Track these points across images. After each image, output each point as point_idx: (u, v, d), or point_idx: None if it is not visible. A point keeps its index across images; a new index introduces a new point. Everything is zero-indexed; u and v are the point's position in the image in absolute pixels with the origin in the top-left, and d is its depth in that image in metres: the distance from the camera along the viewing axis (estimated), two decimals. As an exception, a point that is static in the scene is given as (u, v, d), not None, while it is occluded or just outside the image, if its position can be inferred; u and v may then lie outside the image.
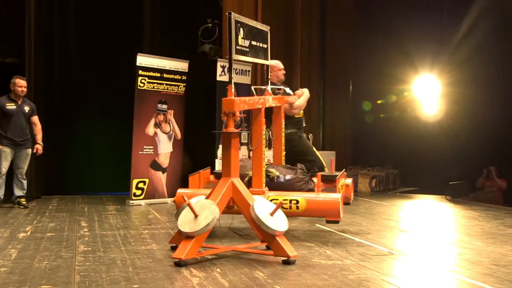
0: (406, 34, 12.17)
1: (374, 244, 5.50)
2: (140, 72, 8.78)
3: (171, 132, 9.22)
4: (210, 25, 10.15)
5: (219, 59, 9.50)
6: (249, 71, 9.91)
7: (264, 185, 5.50)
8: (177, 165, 9.34)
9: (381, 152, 13.06)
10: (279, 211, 4.77)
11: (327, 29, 12.28)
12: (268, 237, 4.71)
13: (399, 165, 12.88)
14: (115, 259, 4.76)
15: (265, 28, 5.99)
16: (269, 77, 6.35)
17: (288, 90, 6.88)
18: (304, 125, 7.07)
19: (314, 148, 7.19)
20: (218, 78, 9.29)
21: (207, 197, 4.91)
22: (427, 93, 12.37)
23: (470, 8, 12.22)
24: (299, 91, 6.95)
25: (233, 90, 5.04)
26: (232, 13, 5.16)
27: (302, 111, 7.00)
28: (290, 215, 5.32)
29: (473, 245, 5.51)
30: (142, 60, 8.82)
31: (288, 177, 5.82)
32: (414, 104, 12.85)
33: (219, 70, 9.29)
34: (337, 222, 5.51)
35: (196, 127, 9.78)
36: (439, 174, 11.99)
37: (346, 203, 6.23)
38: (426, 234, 6.27)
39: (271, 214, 4.72)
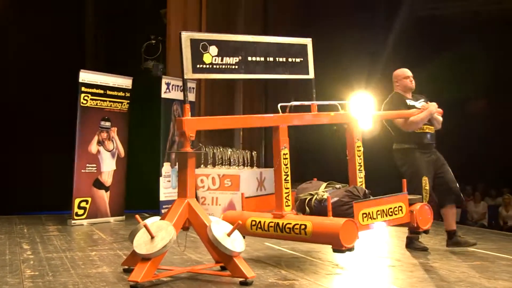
0: (344, 50, 12.47)
1: (325, 262, 5.56)
2: (83, 88, 8.61)
3: (114, 150, 9.05)
4: (153, 41, 10.08)
5: (163, 76, 9.43)
6: (193, 88, 9.88)
7: (290, 207, 5.20)
8: (121, 183, 9.17)
9: (321, 168, 13.24)
10: (237, 232, 4.75)
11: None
12: (225, 258, 4.68)
13: (339, 181, 13.10)
14: (66, 284, 4.61)
15: (294, 41, 5.75)
16: (395, 86, 6.36)
17: (418, 103, 6.28)
18: (428, 142, 6.26)
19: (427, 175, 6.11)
20: (163, 95, 9.21)
21: (162, 218, 4.85)
22: (362, 110, 12.65)
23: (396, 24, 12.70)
24: (425, 104, 6.29)
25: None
26: (183, 32, 5.10)
27: (428, 126, 6.25)
28: (298, 240, 5.19)
29: (421, 263, 5.64)
30: (85, 76, 8.66)
31: (333, 200, 5.10)
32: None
33: (163, 87, 9.22)
34: (342, 251, 4.78)
35: (140, 145, 9.65)
36: (378, 188, 12.24)
37: (414, 231, 5.83)
38: (373, 251, 6.37)
39: (228, 235, 4.69)
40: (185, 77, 5.00)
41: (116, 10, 10.62)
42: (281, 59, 5.55)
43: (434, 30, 13.73)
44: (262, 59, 5.42)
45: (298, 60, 5.68)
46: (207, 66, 5.09)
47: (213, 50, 5.09)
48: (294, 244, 6.50)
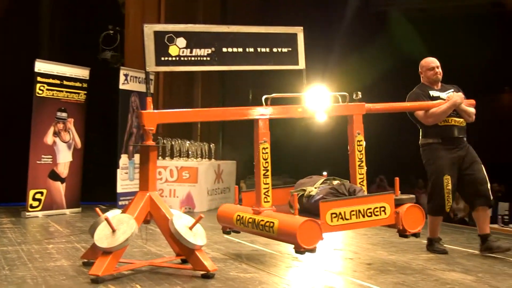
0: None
1: (285, 255, 5.62)
2: (39, 78, 8.45)
3: (70, 141, 8.92)
4: (111, 32, 9.95)
5: (121, 67, 9.33)
6: (152, 80, 9.79)
7: (270, 203, 4.98)
8: (77, 175, 9.05)
9: (277, 161, 13.33)
10: (198, 225, 4.77)
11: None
12: (187, 251, 4.69)
13: (294, 174, 13.22)
14: (24, 278, 4.54)
15: (273, 30, 5.47)
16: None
17: (445, 94, 5.81)
18: (455, 136, 5.75)
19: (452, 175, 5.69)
20: (121, 87, 9.12)
21: (123, 212, 4.83)
22: (318, 103, 12.77)
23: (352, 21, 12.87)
24: (451, 95, 5.78)
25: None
26: (145, 25, 5.04)
27: (455, 118, 5.76)
28: (269, 238, 4.96)
29: (379, 255, 5.77)
30: (41, 66, 8.49)
31: (317, 198, 4.92)
32: (306, 114, 13.25)
33: (121, 78, 9.12)
34: (301, 252, 4.53)
35: (97, 136, 9.54)
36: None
37: (404, 235, 5.00)
38: (331, 244, 6.47)
39: (190, 228, 4.71)
40: (147, 70, 4.94)
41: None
42: (264, 50, 5.33)
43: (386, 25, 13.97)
44: (241, 50, 5.23)
45: (285, 50, 5.44)
46: (174, 58, 5.01)
47: (181, 42, 5.01)
48: (254, 237, 6.56)
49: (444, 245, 5.93)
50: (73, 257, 5.41)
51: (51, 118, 8.65)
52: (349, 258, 5.63)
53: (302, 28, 5.50)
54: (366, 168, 5.32)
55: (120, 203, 9.05)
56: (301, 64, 5.50)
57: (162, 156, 9.63)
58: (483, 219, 5.73)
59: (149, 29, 4.94)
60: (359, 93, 5.31)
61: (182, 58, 5.02)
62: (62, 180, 8.83)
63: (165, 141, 9.68)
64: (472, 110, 5.78)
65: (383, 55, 12.88)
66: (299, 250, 4.49)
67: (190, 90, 11.44)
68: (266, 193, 4.98)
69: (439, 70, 5.89)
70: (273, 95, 5.19)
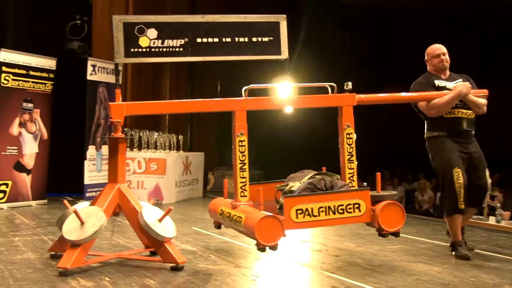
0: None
1: (253, 247, 5.64)
2: (4, 68, 8.31)
3: (37, 132, 8.80)
4: (79, 22, 9.83)
5: (89, 57, 9.23)
6: (120, 71, 9.70)
7: (247, 198, 4.78)
8: (43, 167, 8.94)
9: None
10: (168, 217, 4.77)
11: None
12: (156, 243, 4.69)
13: (262, 165, 13.28)
14: (-9, 271, 4.50)
15: (253, 19, 5.19)
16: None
17: (453, 83, 5.35)
18: (463, 129, 5.31)
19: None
20: (89, 78, 9.03)
21: (91, 204, 4.80)
22: (283, 94, 12.77)
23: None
24: (457, 84, 5.35)
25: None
26: (114, 16, 4.98)
27: (462, 110, 5.33)
28: (241, 233, 4.79)
29: (346, 247, 5.84)
30: (6, 56, 8.36)
31: (296, 193, 4.75)
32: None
33: (89, 69, 9.03)
34: (261, 249, 4.39)
35: (64, 127, 9.43)
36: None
37: (382, 234, 4.66)
38: (299, 236, 6.52)
39: (160, 221, 4.70)
40: (116, 61, 4.90)
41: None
42: (242, 39, 5.08)
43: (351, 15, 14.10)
44: (217, 40, 5.03)
45: (266, 39, 5.14)
46: (144, 49, 4.94)
47: (152, 33, 4.93)
48: (223, 230, 6.57)
49: (471, 246, 5.58)
50: (40, 249, 5.36)
51: (17, 109, 8.52)
52: (317, 250, 5.69)
53: (285, 16, 5.19)
54: (357, 162, 4.96)
55: (87, 194, 8.98)
56: (284, 54, 5.19)
57: (130, 148, 9.57)
58: (466, 221, 5.55)
59: (118, 20, 4.89)
60: (349, 83, 4.95)
61: (153, 49, 4.94)
62: (28, 172, 8.71)
63: (133, 132, 9.62)
64: (482, 101, 5.30)
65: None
66: (259, 246, 4.35)
67: (159, 81, 11.38)
68: (243, 187, 4.77)
69: (446, 57, 5.39)
70: (252, 86, 4.94)
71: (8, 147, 8.44)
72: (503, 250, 5.78)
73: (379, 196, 4.70)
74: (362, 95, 5.06)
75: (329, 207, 4.48)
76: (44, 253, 5.15)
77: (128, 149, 9.44)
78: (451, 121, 5.26)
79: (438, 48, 5.43)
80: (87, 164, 9.11)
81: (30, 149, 8.74)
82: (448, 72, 5.44)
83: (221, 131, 12.94)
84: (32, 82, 8.67)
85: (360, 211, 4.58)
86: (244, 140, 4.78)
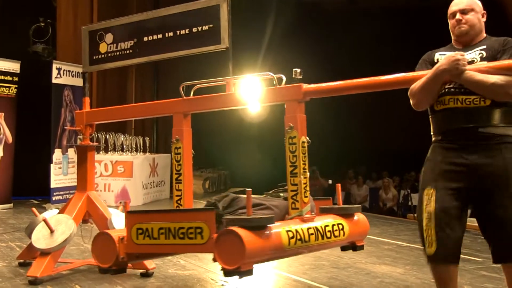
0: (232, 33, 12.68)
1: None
2: (-33, 72, 8.24)
3: (1, 136, 8.74)
4: (42, 24, 9.75)
5: (54, 60, 9.18)
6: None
7: None
8: (8, 170, 8.87)
9: (211, 153, 13.45)
10: (137, 224, 4.79)
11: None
12: (126, 250, 4.72)
13: (228, 165, 13.38)
14: (-42, 280, 4.49)
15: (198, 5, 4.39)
16: None
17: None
18: (458, 126, 3.13)
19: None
20: (54, 81, 8.98)
21: (60, 212, 4.83)
22: (250, 93, 12.85)
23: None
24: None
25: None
26: (83, 27, 5.02)
27: (457, 96, 3.11)
28: None
29: (312, 248, 5.97)
30: (-31, 59, 8.28)
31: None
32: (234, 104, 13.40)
33: (54, 72, 8.98)
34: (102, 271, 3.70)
35: (29, 131, 9.36)
36: (266, 172, 12.67)
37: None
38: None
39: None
40: (83, 71, 4.96)
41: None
42: (183, 31, 4.44)
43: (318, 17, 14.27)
44: (160, 36, 4.54)
45: (206, 27, 4.34)
46: (103, 55, 4.90)
47: (109, 38, 4.86)
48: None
49: None
50: (8, 257, 5.35)
51: (-20, 113, 8.46)
52: (284, 252, 5.80)
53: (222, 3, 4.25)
54: (307, 174, 3.70)
55: (54, 198, 8.95)
56: (225, 42, 4.26)
57: (97, 150, 9.54)
58: None
59: (85, 30, 4.94)
60: (298, 70, 3.77)
61: (109, 55, 4.85)
62: (-8, 176, 8.65)
63: (99, 135, 9.60)
64: (492, 78, 3.00)
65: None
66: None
67: (124, 84, 11.36)
68: (178, 202, 4.06)
69: (464, 17, 3.23)
70: (185, 83, 4.24)
71: (-28, 152, 8.38)
72: (462, 249, 5.97)
73: (341, 209, 3.86)
74: (312, 85, 3.73)
75: (170, 229, 3.47)
76: (12, 261, 5.15)
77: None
78: (441, 117, 3.21)
79: (456, 3, 3.29)
80: (53, 167, 9.07)
81: (-5, 153, 8.68)
82: (473, 39, 3.26)
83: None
84: (-4, 85, 8.61)
85: (202, 237, 3.36)
86: (180, 147, 4.11)
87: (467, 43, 3.27)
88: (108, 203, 9.29)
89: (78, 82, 9.38)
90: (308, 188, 3.68)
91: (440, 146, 3.23)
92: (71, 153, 9.06)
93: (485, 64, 3.08)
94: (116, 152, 9.72)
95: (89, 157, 4.84)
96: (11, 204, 8.93)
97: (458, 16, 3.25)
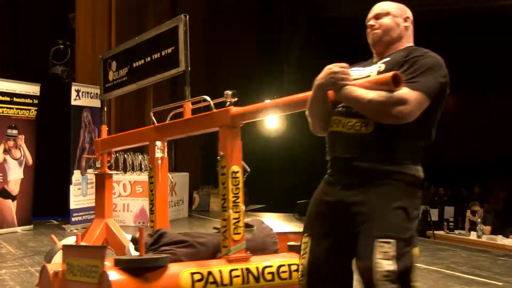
0: (247, 50, 12.80)
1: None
2: (-13, 96, 8.38)
3: (21, 158, 8.85)
4: (61, 46, 9.89)
5: (73, 82, 9.30)
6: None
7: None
8: (29, 192, 8.98)
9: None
10: (155, 251, 4.83)
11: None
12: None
13: (247, 182, 13.38)
14: (-21, 308, 4.55)
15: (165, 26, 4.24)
16: None
17: (365, 71, 2.62)
18: (340, 154, 2.56)
19: None
20: (73, 103, 9.08)
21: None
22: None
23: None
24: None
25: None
26: (100, 56, 5.12)
27: (341, 117, 2.58)
28: None
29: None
30: (-10, 83, 8.42)
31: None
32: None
33: (73, 94, 9.08)
34: None
35: (49, 152, 9.48)
36: (284, 189, 12.68)
37: None
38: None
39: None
40: (100, 99, 5.04)
41: (22, 13, 10.31)
42: (154, 56, 4.29)
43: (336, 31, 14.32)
44: (142, 62, 4.44)
45: (169, 51, 4.12)
46: (111, 84, 4.94)
47: (113, 65, 4.90)
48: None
49: None
50: (28, 283, 5.39)
51: (1, 136, 8.57)
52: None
53: (185, 17, 3.99)
54: (240, 207, 3.40)
55: (73, 219, 9.02)
56: (182, 65, 3.97)
57: (116, 170, 9.63)
58: None
59: (100, 59, 5.03)
60: (230, 93, 3.44)
61: (114, 82, 4.87)
62: (13, 198, 8.75)
63: (117, 155, 9.68)
64: (370, 95, 2.38)
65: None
66: None
67: (142, 104, 11.46)
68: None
69: (378, 22, 2.67)
70: (154, 109, 4.20)
71: (-8, 174, 8.49)
72: (482, 272, 5.93)
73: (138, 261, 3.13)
74: (239, 108, 3.45)
75: (80, 266, 3.25)
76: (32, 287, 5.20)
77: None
78: (327, 142, 2.65)
79: (371, 10, 2.74)
80: (72, 188, 9.15)
81: (15, 175, 8.78)
82: (389, 47, 2.66)
83: (205, 150, 13.04)
84: (16, 108, 8.72)
85: (94, 277, 3.08)
86: (152, 177, 3.97)
87: (381, 53, 2.67)
88: (127, 223, 9.42)
89: (97, 103, 9.49)
90: (241, 224, 3.33)
91: (325, 179, 2.65)
92: (90, 174, 9.14)
93: (366, 78, 2.51)
94: (134, 172, 9.79)
95: (107, 185, 4.91)
96: (31, 226, 9.02)
97: (371, 21, 2.70)
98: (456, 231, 10.32)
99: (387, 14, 2.67)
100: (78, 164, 9.29)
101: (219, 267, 3.20)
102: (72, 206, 9.11)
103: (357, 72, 2.60)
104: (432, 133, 2.52)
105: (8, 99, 8.60)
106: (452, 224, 10.55)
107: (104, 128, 5.00)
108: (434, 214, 11.57)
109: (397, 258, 2.31)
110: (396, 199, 2.39)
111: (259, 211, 12.01)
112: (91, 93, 9.38)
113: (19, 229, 8.77)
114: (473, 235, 9.59)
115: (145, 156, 10.11)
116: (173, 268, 3.09)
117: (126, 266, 3.02)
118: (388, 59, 2.59)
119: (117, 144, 5.08)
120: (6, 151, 8.63)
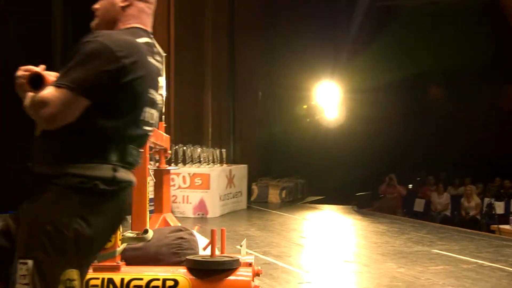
0: (306, 43, 12.77)
1: (296, 269, 5.74)
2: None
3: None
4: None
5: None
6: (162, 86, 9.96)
7: None
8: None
9: (287, 161, 13.48)
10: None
11: (235, 41, 12.55)
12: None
13: (305, 174, 13.36)
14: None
15: None
16: None
17: None
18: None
19: None
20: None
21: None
22: (328, 100, 12.90)
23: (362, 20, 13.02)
24: None
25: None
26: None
27: None
28: None
29: (388, 267, 5.87)
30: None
31: None
32: (316, 111, 13.43)
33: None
34: None
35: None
36: (343, 180, 12.60)
37: None
38: (343, 256, 6.57)
39: (204, 249, 4.83)
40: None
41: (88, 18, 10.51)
42: None
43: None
44: None
45: None
46: None
47: None
48: (266, 249, 6.70)
49: None
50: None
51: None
52: (359, 272, 5.75)
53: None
54: None
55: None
56: None
57: (175, 163, 9.76)
58: None
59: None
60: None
61: None
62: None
63: (177, 147, 9.81)
64: (27, 100, 2.05)
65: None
66: None
67: (200, 93, 11.60)
68: None
69: (96, 6, 2.28)
70: None
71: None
72: None
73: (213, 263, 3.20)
74: None
75: None
76: None
77: (173, 164, 9.65)
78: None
79: None
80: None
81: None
82: None
83: (263, 142, 13.10)
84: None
85: None
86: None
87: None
88: (187, 215, 9.55)
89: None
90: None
91: None
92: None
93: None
94: (193, 165, 9.91)
95: (165, 180, 4.98)
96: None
97: (96, 5, 2.26)
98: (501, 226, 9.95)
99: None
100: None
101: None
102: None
103: None
104: (120, 124, 2.04)
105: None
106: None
107: (161, 124, 5.05)
108: (499, 207, 11.24)
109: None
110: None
111: (317, 203, 11.97)
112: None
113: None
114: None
115: (203, 148, 10.23)
116: None
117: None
118: None
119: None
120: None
